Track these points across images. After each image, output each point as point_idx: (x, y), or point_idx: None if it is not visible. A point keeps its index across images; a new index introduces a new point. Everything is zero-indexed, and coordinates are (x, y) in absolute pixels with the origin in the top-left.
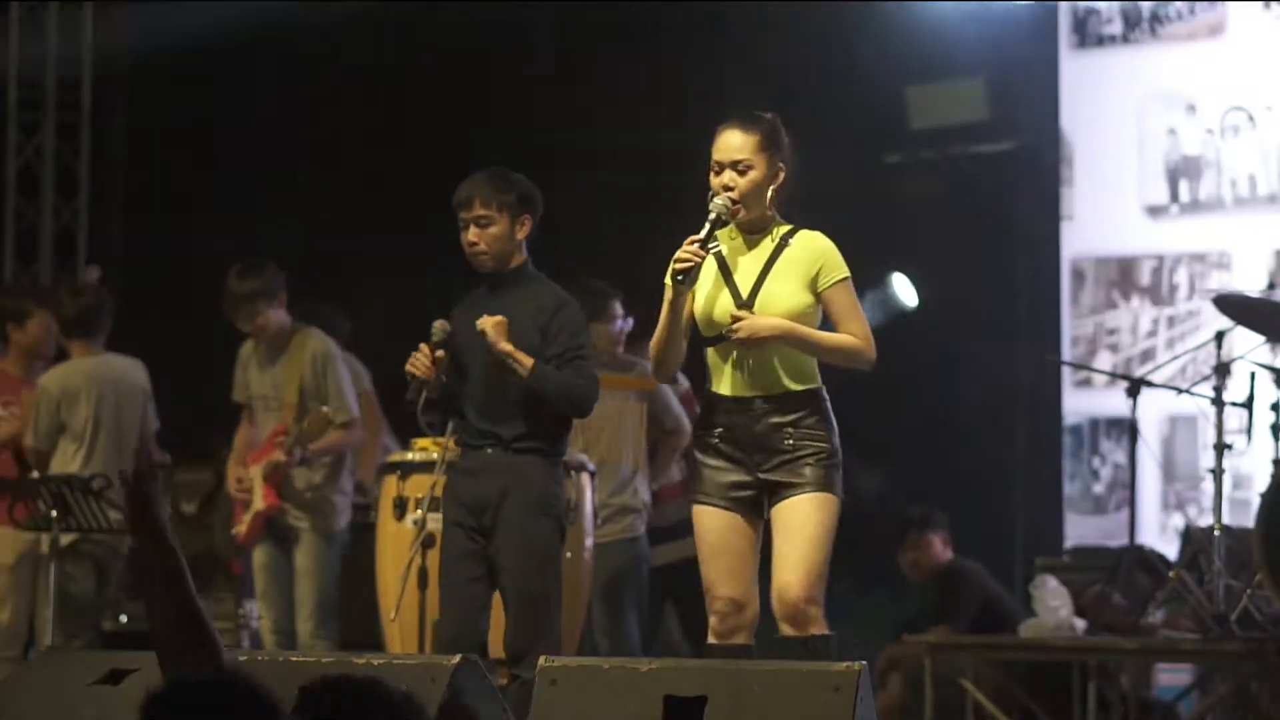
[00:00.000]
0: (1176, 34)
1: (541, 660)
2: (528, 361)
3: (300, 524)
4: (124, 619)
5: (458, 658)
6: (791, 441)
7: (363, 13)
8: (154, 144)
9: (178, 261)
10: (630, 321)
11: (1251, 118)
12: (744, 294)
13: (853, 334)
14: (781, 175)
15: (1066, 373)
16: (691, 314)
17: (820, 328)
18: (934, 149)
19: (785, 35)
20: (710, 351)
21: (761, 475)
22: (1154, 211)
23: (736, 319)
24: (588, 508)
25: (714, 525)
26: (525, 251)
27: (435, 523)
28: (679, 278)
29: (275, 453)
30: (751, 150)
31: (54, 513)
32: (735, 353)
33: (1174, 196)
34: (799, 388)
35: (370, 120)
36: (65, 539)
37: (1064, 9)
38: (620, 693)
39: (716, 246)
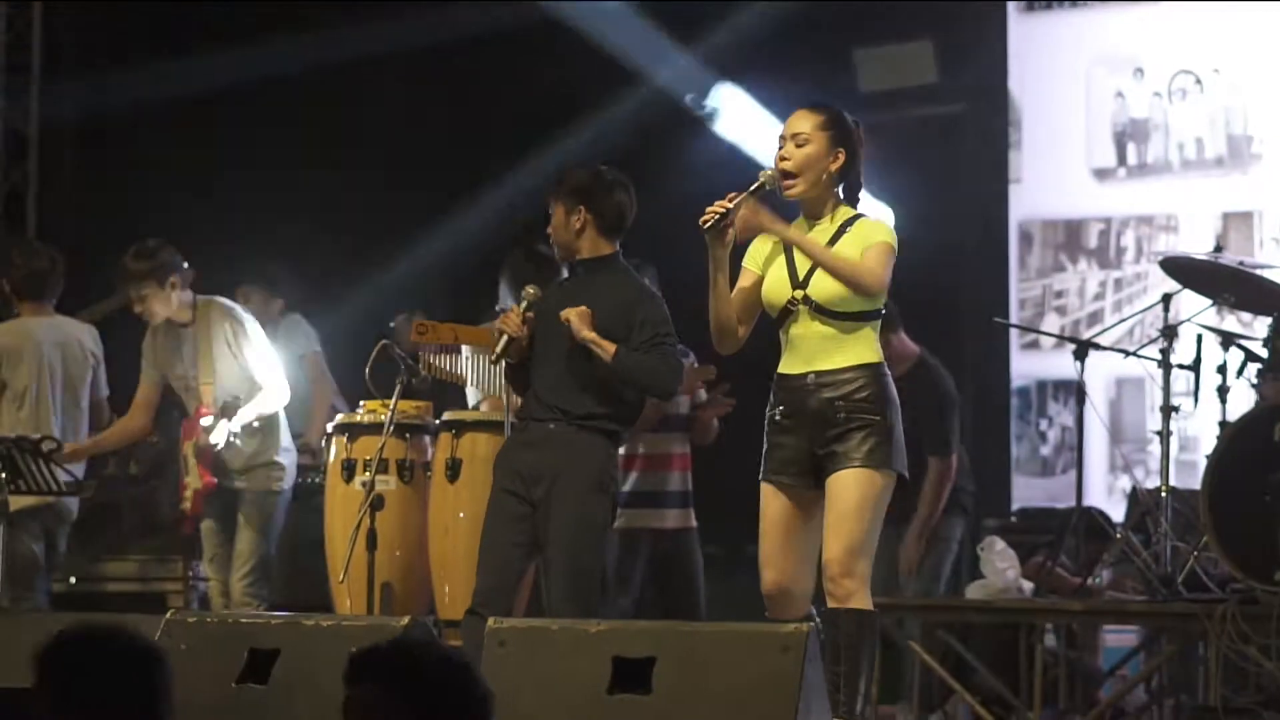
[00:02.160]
0: None
1: (490, 622)
2: (610, 348)
3: (243, 485)
4: (73, 580)
5: (406, 619)
6: (843, 415)
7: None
8: (104, 111)
9: (128, 227)
10: None
11: (1199, 81)
12: (800, 275)
13: (865, 262)
14: (840, 159)
15: (1014, 335)
16: (759, 298)
17: None
18: (882, 112)
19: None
20: (781, 334)
21: (818, 450)
22: (1101, 174)
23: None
24: None
25: (770, 504)
26: (611, 242)
27: (383, 485)
28: (705, 226)
29: (201, 435)
30: (812, 127)
31: (2, 474)
32: (793, 331)
33: (1121, 159)
34: (849, 363)
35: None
36: (18, 503)
37: None
38: (569, 654)
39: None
